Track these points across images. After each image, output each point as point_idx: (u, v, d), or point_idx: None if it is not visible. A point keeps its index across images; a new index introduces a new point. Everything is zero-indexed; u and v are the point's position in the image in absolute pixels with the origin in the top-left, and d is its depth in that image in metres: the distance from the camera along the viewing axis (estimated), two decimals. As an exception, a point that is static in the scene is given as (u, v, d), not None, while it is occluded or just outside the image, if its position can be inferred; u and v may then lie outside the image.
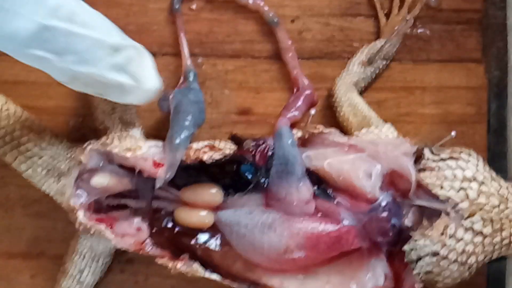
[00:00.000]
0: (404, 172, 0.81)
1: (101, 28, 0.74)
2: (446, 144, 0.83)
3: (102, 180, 0.83)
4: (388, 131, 0.86)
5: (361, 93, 0.93)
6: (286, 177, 0.81)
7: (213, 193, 0.84)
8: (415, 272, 0.79)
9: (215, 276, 0.82)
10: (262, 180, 0.83)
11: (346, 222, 0.82)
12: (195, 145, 0.84)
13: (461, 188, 0.78)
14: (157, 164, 0.81)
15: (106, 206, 0.85)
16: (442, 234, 0.77)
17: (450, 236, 0.78)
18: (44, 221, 0.94)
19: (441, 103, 0.95)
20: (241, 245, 0.83)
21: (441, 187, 0.78)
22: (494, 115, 0.95)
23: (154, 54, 0.92)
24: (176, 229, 0.85)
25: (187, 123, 0.83)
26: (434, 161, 0.81)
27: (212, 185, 0.85)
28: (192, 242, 0.84)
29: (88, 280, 0.90)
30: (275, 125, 0.86)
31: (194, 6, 0.95)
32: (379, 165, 0.82)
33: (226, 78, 0.95)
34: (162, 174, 0.81)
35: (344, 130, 0.90)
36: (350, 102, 0.90)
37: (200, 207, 0.84)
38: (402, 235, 0.80)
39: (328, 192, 0.83)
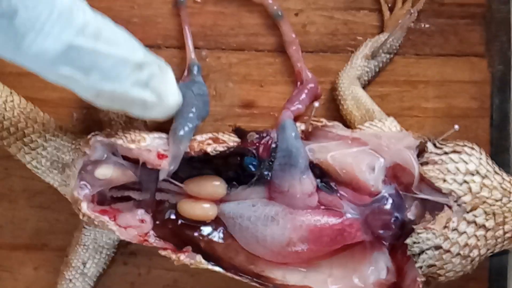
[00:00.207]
0: (407, 165, 0.81)
1: (125, 45, 0.74)
2: (449, 138, 0.83)
3: (106, 172, 0.83)
4: (391, 125, 0.86)
5: (365, 86, 0.93)
6: (289, 170, 0.82)
7: (216, 185, 0.84)
8: (417, 265, 0.79)
9: (218, 268, 0.83)
10: (266, 173, 0.83)
11: (349, 215, 0.82)
12: (199, 137, 0.84)
13: (464, 182, 0.78)
14: (161, 156, 0.81)
15: (109, 198, 0.86)
16: (444, 227, 0.78)
17: (453, 230, 0.78)
18: (47, 212, 0.95)
19: (444, 97, 0.95)
20: (244, 237, 0.83)
21: (444, 181, 0.78)
22: (497, 109, 0.95)
23: (158, 47, 0.93)
24: (179, 221, 0.85)
25: (191, 115, 0.84)
26: (437, 154, 0.81)
27: (215, 177, 0.85)
28: (195, 234, 0.85)
29: (91, 272, 0.90)
30: (279, 118, 0.86)
31: (198, -1, 0.96)
32: (382, 158, 0.82)
33: (230, 71, 0.95)
34: (166, 166, 0.81)
35: (347, 124, 0.90)
36: (353, 95, 0.90)
37: (204, 199, 0.84)
38: (405, 228, 0.81)
39: (331, 185, 0.84)
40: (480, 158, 0.81)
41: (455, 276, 0.81)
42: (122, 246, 0.93)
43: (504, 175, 0.82)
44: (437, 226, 0.78)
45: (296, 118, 0.88)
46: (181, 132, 0.82)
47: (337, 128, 0.85)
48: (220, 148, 0.82)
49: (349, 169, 0.82)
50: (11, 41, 0.63)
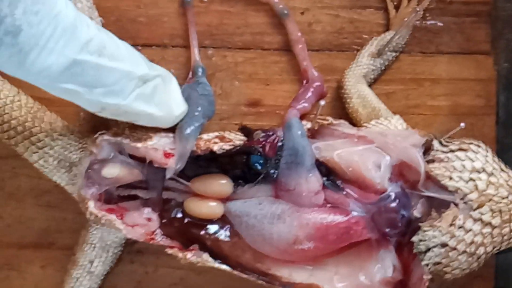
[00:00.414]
0: (413, 163, 0.81)
1: (129, 60, 0.74)
2: (455, 135, 0.83)
3: (113, 171, 0.83)
4: (397, 123, 0.86)
5: (371, 84, 0.93)
6: (295, 168, 0.82)
7: (222, 183, 0.84)
8: (423, 263, 0.79)
9: (224, 267, 0.83)
10: (272, 171, 0.83)
11: (355, 213, 0.82)
12: (205, 136, 0.84)
13: (470, 179, 0.78)
14: (167, 155, 0.82)
15: (116, 197, 0.86)
16: (451, 225, 0.78)
17: (459, 227, 0.78)
18: (54, 211, 0.95)
19: (450, 95, 0.95)
20: (251, 235, 0.83)
21: (450, 178, 0.79)
22: (503, 107, 0.95)
23: (164, 46, 0.94)
24: (186, 219, 0.86)
25: (197, 113, 0.84)
26: (443, 152, 0.81)
27: (222, 176, 0.85)
28: (202, 232, 0.85)
29: (98, 270, 0.90)
30: (285, 116, 0.87)
31: (205, -2, 0.96)
32: (388, 156, 0.82)
33: (236, 70, 0.95)
34: (173, 165, 0.81)
35: (353, 122, 0.90)
36: (359, 93, 0.90)
37: (210, 198, 0.85)
38: (411, 226, 0.81)
39: (337, 183, 0.84)
40: (486, 156, 0.81)
41: (461, 274, 0.81)
42: (128, 245, 0.93)
43: (510, 172, 0.81)
44: (443, 224, 0.78)
45: (302, 117, 0.88)
46: (188, 131, 0.82)
47: (343, 126, 0.85)
48: (227, 146, 0.83)
49: (355, 167, 0.82)
50: (15, 58, 0.63)
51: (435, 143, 0.81)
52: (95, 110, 0.75)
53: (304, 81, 0.93)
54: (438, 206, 0.80)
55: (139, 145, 0.82)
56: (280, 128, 0.85)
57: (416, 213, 0.80)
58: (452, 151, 0.80)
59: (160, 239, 0.84)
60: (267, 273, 0.84)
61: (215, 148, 0.82)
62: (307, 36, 0.94)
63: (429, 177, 0.80)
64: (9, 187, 0.95)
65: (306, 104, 0.90)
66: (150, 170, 0.84)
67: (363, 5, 0.96)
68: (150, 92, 0.77)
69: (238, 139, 0.84)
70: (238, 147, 0.83)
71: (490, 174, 0.79)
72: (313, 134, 0.85)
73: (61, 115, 0.90)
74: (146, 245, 0.88)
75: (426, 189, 0.80)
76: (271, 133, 0.84)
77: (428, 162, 0.80)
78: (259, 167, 0.84)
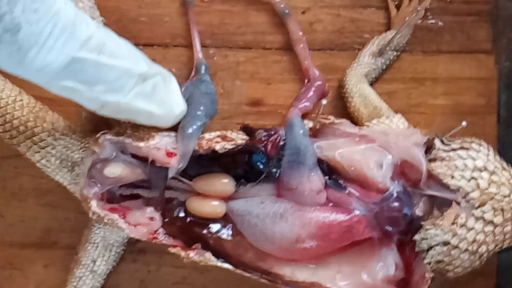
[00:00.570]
0: (415, 162, 0.81)
1: (129, 57, 0.74)
2: (456, 134, 0.83)
3: (115, 170, 0.83)
4: (398, 122, 0.87)
5: (372, 84, 0.93)
6: (297, 167, 0.82)
7: (225, 183, 0.85)
8: (425, 261, 0.79)
9: (227, 265, 0.83)
10: (274, 170, 0.83)
11: (357, 212, 0.82)
12: (207, 135, 0.84)
13: (472, 178, 0.79)
14: (169, 154, 0.82)
15: (119, 196, 0.86)
16: (453, 223, 0.78)
17: (461, 226, 0.78)
18: (57, 211, 0.95)
19: (452, 94, 0.95)
20: (253, 234, 0.84)
21: (452, 177, 0.79)
22: (504, 106, 0.95)
23: (166, 45, 0.94)
24: (188, 218, 0.86)
25: (199, 113, 0.84)
26: (444, 151, 0.81)
27: (224, 175, 0.85)
28: (204, 231, 0.85)
29: (101, 270, 0.90)
30: (287, 115, 0.87)
31: (206, -2, 0.96)
32: (390, 155, 0.82)
33: (238, 69, 0.95)
34: (175, 164, 0.81)
35: (355, 121, 0.90)
36: (360, 93, 0.91)
37: (212, 197, 0.85)
38: (413, 225, 0.81)
39: (339, 182, 0.84)
40: (488, 155, 0.81)
41: (463, 272, 0.81)
42: (131, 244, 0.93)
43: (512, 171, 0.82)
44: (445, 222, 0.78)
45: (304, 116, 0.88)
46: (190, 130, 0.82)
47: (345, 125, 0.86)
48: (229, 146, 0.83)
49: (357, 166, 0.82)
50: (15, 55, 0.64)
51: (437, 142, 0.81)
52: (95, 108, 0.75)
53: (306, 81, 0.93)
54: (440, 204, 0.80)
55: (141, 144, 0.82)
56: (282, 127, 0.85)
57: (418, 211, 0.80)
58: (453, 149, 0.81)
59: (162, 238, 0.84)
60: (270, 272, 0.84)
61: (217, 147, 0.82)
62: (308, 35, 0.94)
63: (431, 175, 0.80)
64: (11, 186, 0.95)
65: (307, 103, 0.90)
66: (152, 169, 0.84)
67: (364, 4, 0.96)
68: (150, 90, 0.77)
69: (240, 138, 0.84)
70: (240, 146, 0.83)
71: (492, 173, 0.79)
72: (315, 133, 0.85)
73: (63, 115, 0.90)
74: (148, 244, 0.88)
75: (428, 188, 0.81)
76: (273, 132, 0.84)
77: (430, 161, 0.80)
78: (261, 166, 0.84)
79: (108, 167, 0.83)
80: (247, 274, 0.83)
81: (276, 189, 0.84)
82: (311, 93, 0.91)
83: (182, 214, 0.86)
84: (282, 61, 0.95)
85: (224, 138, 0.84)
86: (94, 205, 0.83)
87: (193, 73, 0.91)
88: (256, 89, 0.95)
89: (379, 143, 0.83)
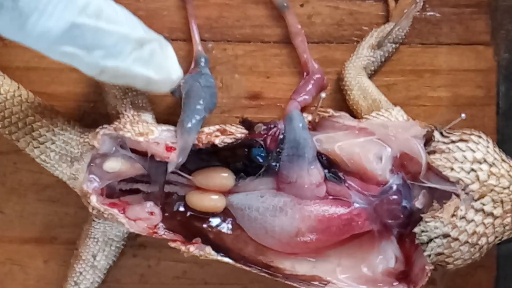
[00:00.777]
0: (415, 154, 0.81)
1: (126, 23, 0.75)
2: (456, 126, 0.83)
3: (115, 165, 0.83)
4: (398, 114, 0.86)
5: (371, 76, 0.93)
6: (297, 161, 0.82)
7: (224, 177, 0.85)
8: (425, 253, 0.79)
9: (227, 260, 0.83)
10: (273, 164, 0.83)
11: (357, 205, 0.82)
12: (206, 129, 0.84)
13: (472, 170, 0.79)
14: (169, 148, 0.82)
15: (118, 191, 0.86)
16: (452, 216, 0.78)
17: (461, 218, 0.78)
18: (56, 206, 0.95)
19: (451, 86, 0.95)
20: (253, 228, 0.84)
21: (452, 169, 0.79)
22: (503, 97, 0.95)
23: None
24: (188, 213, 0.86)
25: (198, 107, 0.84)
26: (444, 143, 0.81)
27: (223, 169, 0.85)
28: (204, 226, 0.85)
29: (101, 264, 0.90)
30: (286, 109, 0.87)
31: (203, -9, 0.96)
32: (389, 148, 0.82)
33: (236, 63, 0.95)
34: (174, 158, 0.81)
35: (354, 114, 0.90)
36: (359, 85, 0.90)
37: (212, 191, 0.85)
38: (413, 217, 0.81)
39: (339, 175, 0.84)
40: (487, 147, 0.81)
41: (464, 264, 0.81)
42: (131, 239, 0.93)
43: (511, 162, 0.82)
44: (445, 215, 0.78)
45: (303, 109, 0.88)
46: (189, 125, 0.82)
47: (344, 118, 0.86)
48: (228, 139, 0.83)
49: (357, 159, 0.83)
50: (16, 22, 0.65)
51: (436, 134, 0.81)
52: (94, 74, 0.76)
53: (305, 74, 0.93)
54: (439, 197, 0.80)
55: (140, 139, 0.82)
56: (281, 121, 0.85)
57: (418, 204, 0.80)
58: (453, 142, 0.81)
59: (162, 232, 0.84)
60: (270, 266, 0.84)
61: (217, 141, 0.82)
62: (307, 28, 0.94)
63: (430, 168, 0.80)
64: (10, 182, 0.95)
65: (306, 97, 0.90)
66: (152, 164, 0.84)
67: (362, -4, 0.96)
68: (147, 55, 0.77)
69: (239, 132, 0.84)
70: (240, 140, 0.83)
71: (491, 165, 0.79)
72: (314, 126, 0.85)
73: (62, 110, 0.90)
74: (148, 239, 0.88)
75: (427, 180, 0.81)
76: (272, 126, 0.84)
77: (429, 153, 0.81)
78: (261, 160, 0.84)
79: (107, 162, 0.83)
80: (247, 268, 0.83)
81: (275, 182, 0.84)
82: (310, 86, 0.91)
83: (182, 209, 0.86)
84: (280, 55, 0.95)
85: (223, 132, 0.84)
86: (94, 200, 0.83)
87: (192, 66, 0.91)
88: (255, 83, 0.95)
89: (378, 135, 0.83)
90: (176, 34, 0.95)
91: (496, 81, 0.95)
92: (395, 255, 0.82)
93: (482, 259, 0.82)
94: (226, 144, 0.83)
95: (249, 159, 0.85)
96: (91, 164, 0.84)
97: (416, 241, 0.79)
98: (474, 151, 0.80)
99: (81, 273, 0.90)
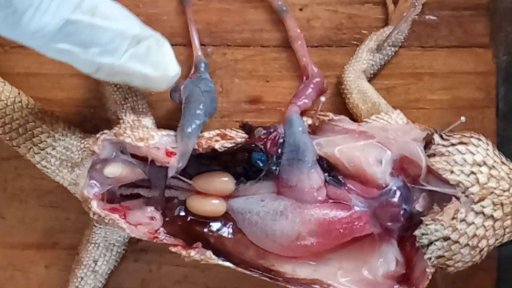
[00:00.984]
0: (414, 157, 0.81)
1: (122, 20, 0.75)
2: (455, 129, 0.83)
3: (115, 170, 0.83)
4: (397, 117, 0.86)
5: (370, 80, 0.93)
6: (297, 165, 0.82)
7: (225, 181, 0.85)
8: (426, 256, 0.79)
9: (228, 264, 0.83)
10: (274, 168, 0.83)
11: (357, 208, 0.83)
12: (206, 134, 0.84)
13: (471, 173, 0.79)
14: (169, 153, 0.82)
15: (119, 196, 0.86)
16: (453, 218, 0.78)
17: (461, 221, 0.78)
18: (57, 211, 0.95)
19: (450, 89, 0.95)
20: (254, 232, 0.84)
21: (451, 172, 0.79)
22: (503, 100, 0.95)
23: (164, 45, 0.93)
24: (189, 217, 0.86)
25: (198, 112, 0.84)
26: (444, 146, 0.81)
27: (224, 173, 0.85)
28: (205, 230, 0.85)
29: (102, 269, 0.91)
30: (286, 113, 0.87)
31: (203, -4, 0.96)
32: (389, 151, 0.82)
33: (236, 67, 0.95)
34: (175, 163, 0.82)
35: (354, 117, 0.90)
36: (359, 89, 0.91)
37: (212, 195, 0.85)
38: (413, 220, 0.81)
39: (339, 178, 0.84)
40: (487, 149, 0.81)
41: (464, 267, 0.81)
42: (132, 243, 0.93)
43: (511, 165, 0.82)
44: (445, 217, 0.78)
45: (303, 113, 0.88)
46: (189, 129, 0.83)
47: (344, 122, 0.86)
48: (228, 144, 0.83)
49: (357, 163, 0.83)
50: (10, 19, 0.64)
51: (436, 137, 0.81)
52: (90, 71, 0.75)
53: (304, 78, 0.93)
54: (439, 200, 0.80)
55: (140, 144, 0.82)
56: (281, 125, 0.85)
57: (418, 207, 0.81)
58: (453, 144, 0.81)
59: (163, 237, 0.84)
60: (271, 269, 0.84)
61: (217, 146, 0.82)
62: (306, 32, 0.94)
63: (430, 171, 0.80)
64: (11, 188, 0.95)
65: (306, 100, 0.90)
66: (152, 169, 0.84)
67: (361, 0, 0.96)
68: (144, 52, 0.77)
69: (239, 136, 0.84)
70: (240, 145, 0.83)
71: (491, 167, 0.79)
72: (314, 130, 0.85)
73: (62, 116, 0.90)
74: (149, 243, 0.88)
75: (427, 183, 0.81)
76: (272, 130, 0.84)
77: (429, 156, 0.81)
78: (261, 164, 0.84)
79: (108, 167, 0.83)
80: (248, 272, 0.83)
81: (276, 186, 0.84)
82: (309, 90, 0.91)
83: (182, 213, 0.86)
84: (280, 59, 0.95)
85: (223, 136, 0.84)
86: (94, 205, 0.83)
87: (192, 71, 0.91)
88: (254, 87, 0.95)
89: (378, 139, 0.83)
90: (176, 39, 0.95)
91: (495, 83, 0.95)
92: (396, 258, 0.82)
93: (482, 261, 0.82)
94: (226, 148, 0.83)
95: (249, 163, 0.85)
96: (92, 169, 0.84)
97: (417, 244, 0.79)
98: (473, 154, 0.80)
99: (82, 278, 0.90)
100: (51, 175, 0.87)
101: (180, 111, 0.86)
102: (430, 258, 0.79)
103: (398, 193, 0.82)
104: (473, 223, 0.78)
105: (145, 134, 0.83)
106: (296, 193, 0.83)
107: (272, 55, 0.95)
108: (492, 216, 0.78)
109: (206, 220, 0.85)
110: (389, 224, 0.82)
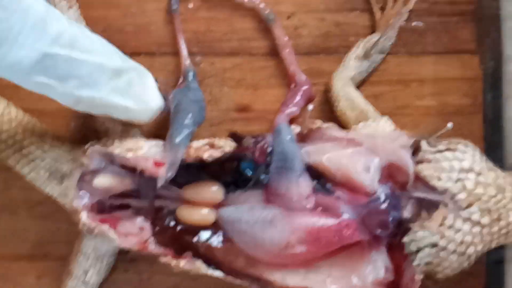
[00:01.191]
0: (402, 164, 0.81)
1: (102, 53, 0.75)
2: (443, 135, 0.83)
3: (104, 181, 0.83)
4: (385, 124, 0.87)
5: (358, 87, 0.93)
6: (285, 173, 0.82)
7: (214, 190, 0.85)
8: (415, 263, 0.79)
9: (217, 274, 0.83)
10: (262, 177, 0.84)
11: (346, 216, 0.82)
12: (195, 144, 0.84)
13: (459, 179, 0.79)
14: (158, 164, 0.82)
15: (109, 206, 0.86)
16: (441, 225, 0.78)
17: (449, 227, 0.78)
18: (48, 223, 0.95)
19: (437, 95, 0.95)
20: (243, 241, 0.84)
21: (439, 179, 0.79)
22: (490, 105, 0.95)
23: (152, 54, 0.94)
24: (179, 227, 0.86)
25: (187, 121, 0.84)
26: (431, 153, 0.81)
27: (213, 182, 0.85)
28: (195, 239, 0.85)
29: (93, 280, 0.91)
30: (274, 121, 0.87)
31: (191, 5, 0.96)
32: (377, 158, 0.83)
33: (224, 76, 0.95)
34: (163, 173, 0.82)
35: (342, 125, 0.90)
36: (347, 96, 0.91)
37: (202, 205, 0.85)
38: (402, 227, 0.81)
39: (327, 186, 0.84)
40: (474, 155, 0.81)
41: (453, 273, 0.81)
42: (122, 254, 0.93)
43: (498, 171, 0.82)
44: (433, 224, 0.78)
45: (292, 121, 0.88)
46: (178, 139, 0.83)
47: (332, 129, 0.86)
48: (217, 153, 0.83)
49: (345, 170, 0.83)
50: None
51: (423, 144, 0.82)
52: (70, 104, 0.76)
53: (292, 85, 0.93)
54: (428, 206, 0.80)
55: (129, 155, 0.82)
56: (270, 134, 0.85)
57: (406, 214, 0.81)
58: (440, 151, 0.81)
59: (153, 247, 0.84)
60: (261, 278, 0.84)
61: (205, 156, 0.82)
62: (294, 40, 0.95)
63: (418, 178, 0.80)
64: (2, 199, 0.95)
65: (294, 108, 0.90)
66: (141, 179, 0.84)
67: (348, 7, 0.96)
68: (124, 85, 0.77)
69: (228, 145, 0.85)
70: (228, 154, 0.84)
71: (478, 174, 0.80)
72: (303, 138, 0.85)
73: (51, 127, 0.90)
74: (139, 254, 0.88)
75: (415, 190, 0.81)
76: (260, 139, 0.84)
77: (417, 163, 0.81)
78: (250, 173, 0.84)
79: (97, 178, 0.84)
80: (238, 281, 0.84)
81: (265, 195, 0.84)
82: (298, 98, 0.91)
83: (172, 223, 0.86)
84: (268, 67, 0.96)
85: (212, 146, 0.84)
86: (84, 216, 0.83)
87: (180, 80, 0.92)
88: (243, 95, 0.96)
89: (366, 146, 0.83)
90: (164, 48, 0.95)
91: (482, 89, 0.95)
92: (385, 265, 0.82)
93: (471, 267, 0.82)
94: (215, 158, 0.83)
95: (238, 172, 0.85)
96: (81, 180, 0.84)
97: (405, 251, 0.80)
98: (461, 160, 0.80)
99: (73, 289, 0.90)
100: (40, 187, 0.87)
101: (169, 120, 0.86)
102: (418, 265, 0.80)
103: (386, 200, 0.82)
104: (461, 229, 0.78)
105: (134, 145, 0.84)
106: (285, 201, 0.83)
107: (260, 63, 0.96)
108: (479, 223, 0.79)
109: (196, 229, 0.85)
110: (378, 231, 0.82)
